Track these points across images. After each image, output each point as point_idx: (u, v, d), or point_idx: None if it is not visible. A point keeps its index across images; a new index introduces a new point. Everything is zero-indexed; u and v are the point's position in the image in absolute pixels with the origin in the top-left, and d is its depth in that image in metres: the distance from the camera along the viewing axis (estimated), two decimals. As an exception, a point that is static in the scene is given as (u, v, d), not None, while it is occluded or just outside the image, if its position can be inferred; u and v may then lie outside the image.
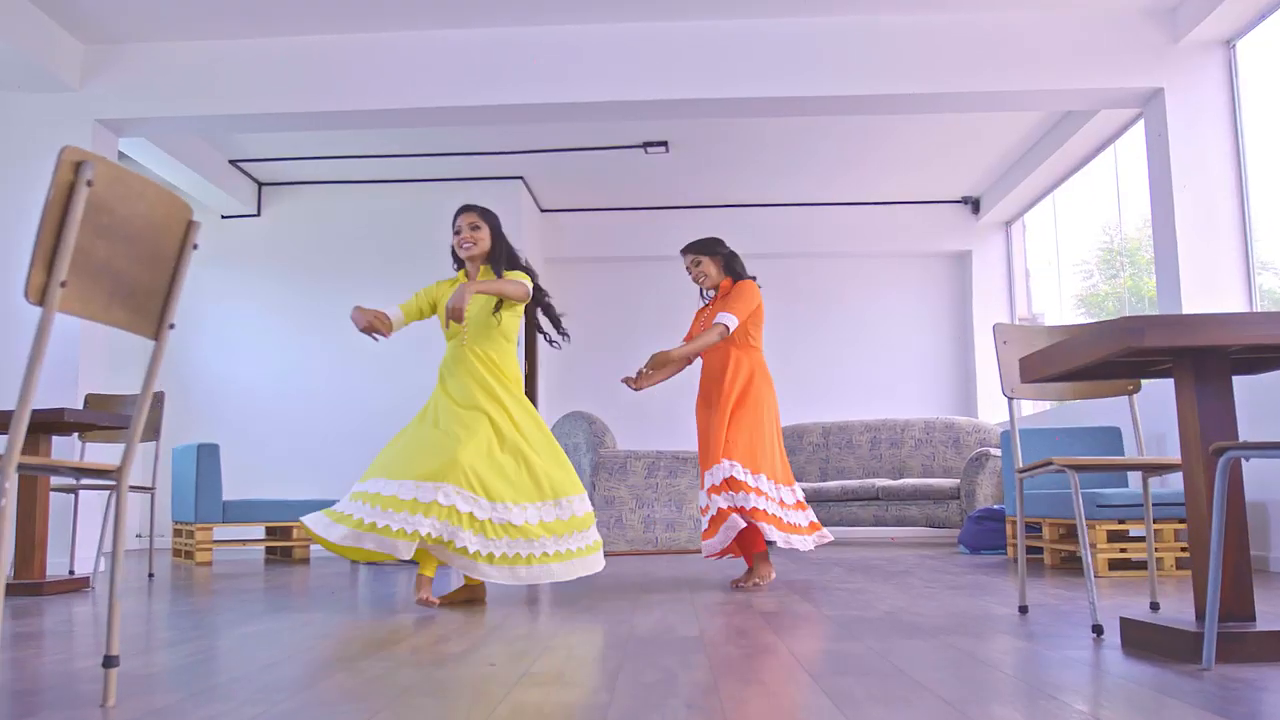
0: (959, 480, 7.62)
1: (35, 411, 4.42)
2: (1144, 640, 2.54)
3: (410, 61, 5.95)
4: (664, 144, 7.66)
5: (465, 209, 4.16)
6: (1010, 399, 3.44)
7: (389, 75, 5.96)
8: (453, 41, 5.94)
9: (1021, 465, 3.33)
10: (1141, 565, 4.96)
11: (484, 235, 4.07)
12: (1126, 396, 3.50)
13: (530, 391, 8.86)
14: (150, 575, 5.38)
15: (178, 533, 6.80)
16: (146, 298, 1.96)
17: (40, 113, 5.96)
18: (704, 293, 4.84)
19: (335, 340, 8.38)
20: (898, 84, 5.75)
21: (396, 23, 5.83)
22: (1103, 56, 5.67)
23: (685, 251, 4.76)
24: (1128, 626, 2.63)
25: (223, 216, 8.53)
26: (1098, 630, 2.81)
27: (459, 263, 4.19)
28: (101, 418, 4.54)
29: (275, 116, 6.16)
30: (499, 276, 3.97)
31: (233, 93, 6.03)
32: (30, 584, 4.46)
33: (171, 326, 2.05)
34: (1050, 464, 3.04)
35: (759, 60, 5.79)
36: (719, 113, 6.07)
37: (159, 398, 5.57)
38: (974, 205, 9.17)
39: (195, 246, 2.06)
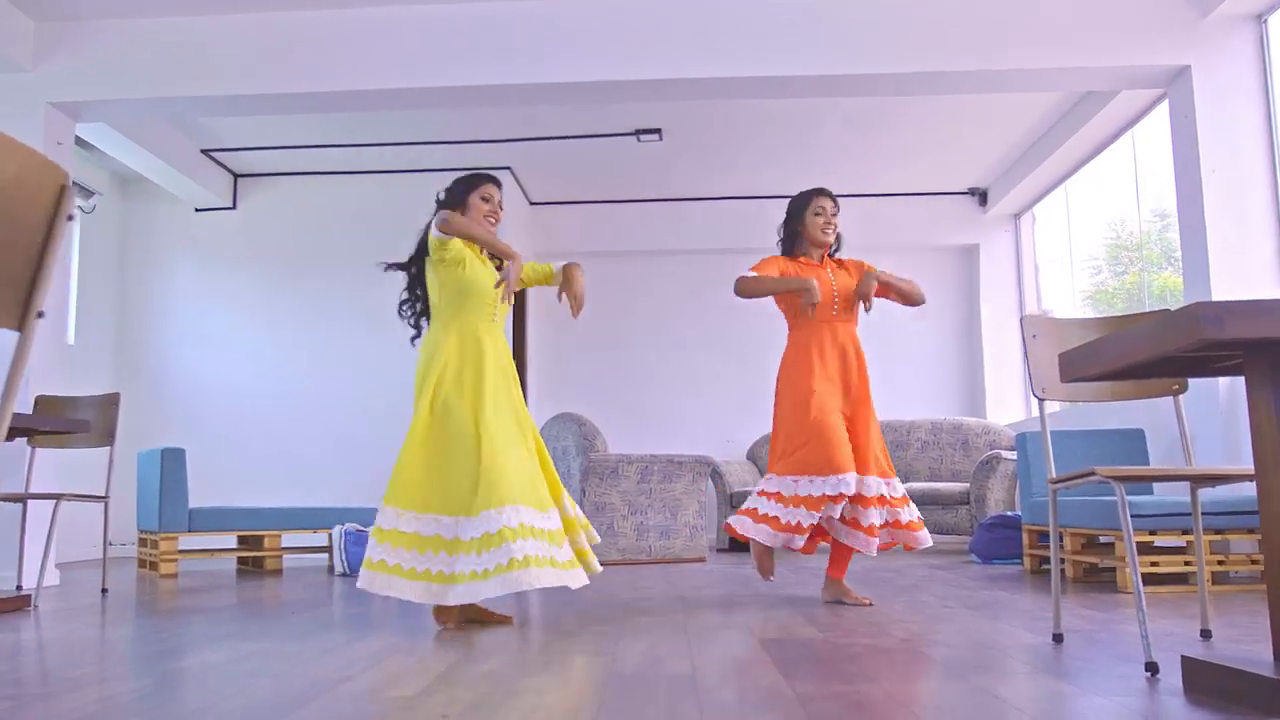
0: (968, 484, 7.25)
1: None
2: (1211, 685, 2.17)
3: (387, 39, 5.57)
4: (657, 131, 7.27)
5: (494, 180, 3.82)
6: (1041, 399, 3.06)
7: (364, 54, 5.58)
8: (433, 17, 5.55)
9: (1055, 475, 2.95)
10: (1173, 579, 4.58)
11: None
12: (1147, 398, 3.13)
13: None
14: (104, 590, 4.99)
15: (143, 542, 6.42)
16: (6, 283, 1.58)
17: (-13, 95, 5.58)
18: (796, 247, 4.25)
19: (314, 339, 8.01)
20: (907, 62, 5.37)
21: (370, -2, 5.45)
22: (1125, 33, 5.29)
23: (829, 195, 4.26)
24: (1191, 668, 2.25)
25: (196, 209, 8.15)
26: (1152, 669, 2.43)
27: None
28: (40, 422, 4.16)
29: (245, 99, 5.77)
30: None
31: (198, 73, 5.64)
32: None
33: (40, 315, 1.67)
34: (1092, 474, 2.66)
35: (758, 37, 5.41)
36: (716, 93, 5.68)
37: (113, 399, 5.19)
38: (981, 197, 8.79)
39: (70, 217, 1.68)
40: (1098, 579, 4.97)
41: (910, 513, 4.07)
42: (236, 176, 8.20)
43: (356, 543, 5.96)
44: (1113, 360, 2.18)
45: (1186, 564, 4.45)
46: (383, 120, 7.18)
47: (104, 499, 5.01)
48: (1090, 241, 8.22)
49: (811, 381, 4.07)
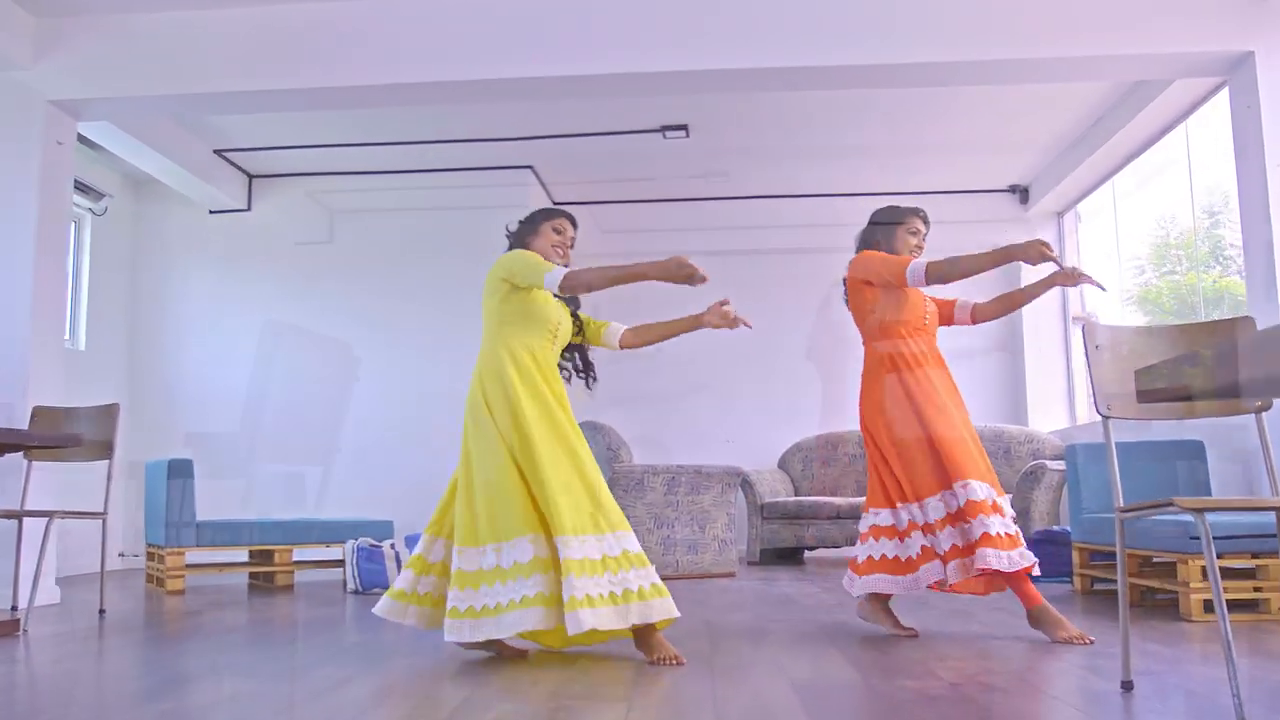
0: (1012, 496, 6.89)
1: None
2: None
3: (400, 31, 5.30)
4: (684, 128, 6.97)
5: (570, 217, 3.75)
6: (1106, 418, 2.75)
7: (376, 47, 5.31)
8: (448, 8, 5.28)
9: (1123, 503, 2.64)
10: (1241, 606, 4.22)
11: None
12: (1225, 415, 2.80)
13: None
14: (101, 611, 4.76)
15: (150, 556, 6.20)
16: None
17: (-15, 93, 5.37)
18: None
19: (331, 342, 7.78)
20: (950, 50, 5.03)
21: (382, -11, 5.19)
22: (1182, 17, 4.94)
23: (923, 216, 4.28)
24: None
25: (210, 211, 7.93)
26: (1246, 733, 2.12)
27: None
28: (28, 437, 3.93)
29: (253, 95, 5.50)
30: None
31: (204, 69, 5.39)
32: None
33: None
34: (1170, 505, 2.35)
35: (791, 25, 5.09)
36: (747, 85, 5.36)
37: (112, 410, 4.96)
38: (1022, 194, 8.42)
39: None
40: (1155, 604, 4.63)
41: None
42: (251, 177, 7.98)
43: (369, 559, 5.70)
44: (1208, 380, 1.87)
45: (1256, 589, 4.11)
46: (399, 118, 6.92)
47: (102, 515, 4.78)
48: (1135, 240, 7.85)
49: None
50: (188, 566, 5.89)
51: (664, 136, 7.07)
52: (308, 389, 7.76)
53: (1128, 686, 2.65)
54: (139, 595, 5.70)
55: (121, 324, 7.87)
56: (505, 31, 5.24)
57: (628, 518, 6.13)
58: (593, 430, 6.64)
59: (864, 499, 7.26)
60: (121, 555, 7.69)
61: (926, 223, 4.15)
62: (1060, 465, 6.80)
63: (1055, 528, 6.00)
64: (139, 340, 7.95)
